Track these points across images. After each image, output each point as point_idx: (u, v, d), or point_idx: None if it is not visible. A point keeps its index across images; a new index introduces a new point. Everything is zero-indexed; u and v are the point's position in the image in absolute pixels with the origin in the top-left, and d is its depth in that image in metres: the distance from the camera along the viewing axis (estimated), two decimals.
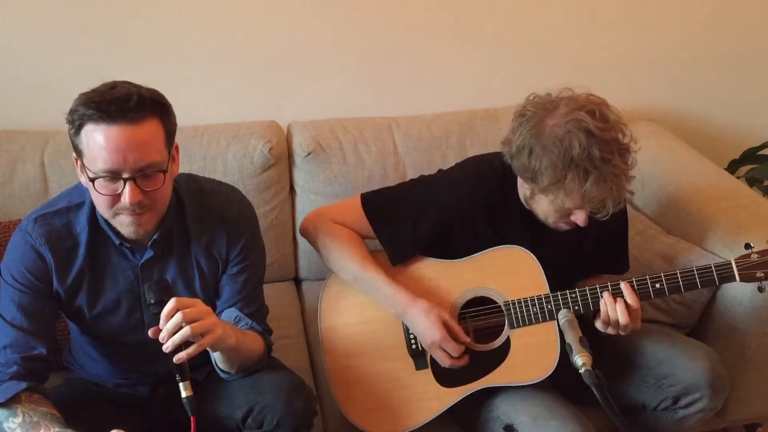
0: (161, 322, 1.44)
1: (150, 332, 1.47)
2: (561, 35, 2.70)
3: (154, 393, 1.79)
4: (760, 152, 2.87)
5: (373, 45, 2.57)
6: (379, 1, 2.53)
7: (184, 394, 1.44)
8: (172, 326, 1.43)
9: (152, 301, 1.48)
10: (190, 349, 1.44)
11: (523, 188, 1.80)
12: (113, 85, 1.47)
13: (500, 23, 2.65)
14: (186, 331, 1.43)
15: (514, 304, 1.83)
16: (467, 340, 1.83)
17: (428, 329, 1.80)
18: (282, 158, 2.39)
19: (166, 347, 1.43)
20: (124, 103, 1.43)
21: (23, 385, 1.52)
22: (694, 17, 2.79)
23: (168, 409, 1.73)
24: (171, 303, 1.44)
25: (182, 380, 1.44)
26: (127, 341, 1.71)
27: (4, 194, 2.20)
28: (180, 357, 1.43)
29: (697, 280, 1.77)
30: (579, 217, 1.74)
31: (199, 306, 1.48)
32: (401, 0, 2.54)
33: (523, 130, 1.71)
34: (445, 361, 1.83)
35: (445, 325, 1.81)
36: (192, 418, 1.44)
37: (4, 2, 2.29)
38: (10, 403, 1.50)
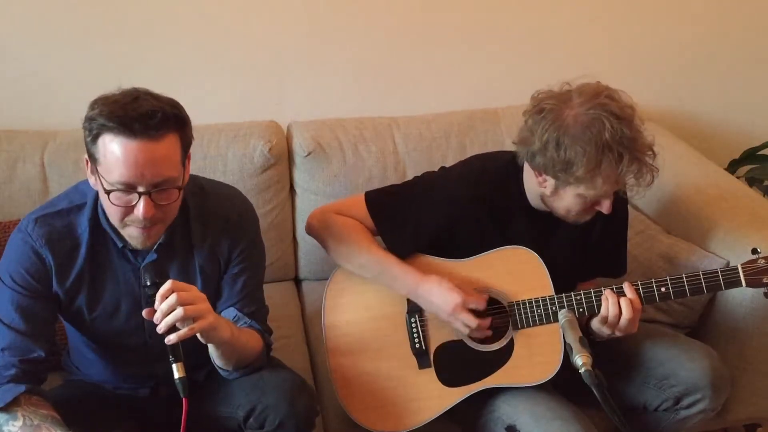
0: (156, 302, 1.45)
1: (144, 312, 1.48)
2: (561, 35, 2.70)
3: (155, 394, 1.78)
4: (760, 152, 2.87)
5: (373, 45, 2.57)
6: (379, 1, 2.53)
7: (176, 375, 1.45)
8: (167, 307, 1.44)
9: (148, 283, 1.49)
10: (181, 332, 1.45)
11: (542, 187, 1.78)
12: (135, 96, 1.45)
13: (500, 23, 2.65)
14: (179, 312, 1.43)
15: (518, 305, 1.83)
16: (484, 298, 1.81)
17: (446, 296, 1.78)
18: (282, 158, 2.39)
19: (159, 328, 1.45)
20: (148, 120, 1.41)
21: (22, 387, 1.51)
22: (694, 17, 2.79)
23: (169, 410, 1.72)
24: (167, 284, 1.45)
25: (175, 361, 1.46)
26: (126, 344, 1.70)
27: (4, 194, 2.20)
28: (170, 339, 1.44)
29: (703, 284, 1.77)
30: (605, 205, 1.75)
31: (193, 291, 1.50)
32: (401, 0, 2.54)
33: (545, 124, 1.69)
34: (471, 323, 1.78)
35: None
36: (184, 399, 1.45)
37: (4, 3, 2.28)
38: (9, 406, 1.50)
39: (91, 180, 1.54)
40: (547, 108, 1.70)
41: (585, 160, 1.65)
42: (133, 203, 1.47)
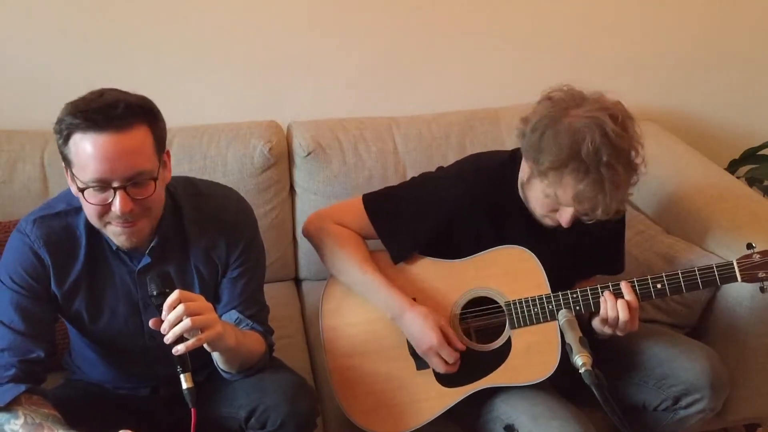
0: (163, 312, 1.44)
1: (151, 322, 1.47)
2: (561, 35, 2.70)
3: (155, 394, 1.78)
4: (760, 152, 2.87)
5: (373, 45, 2.58)
6: (379, 1, 2.53)
7: (184, 386, 1.44)
8: (174, 317, 1.43)
9: (155, 293, 1.48)
10: (189, 342, 1.44)
11: (523, 172, 1.79)
12: (100, 93, 1.46)
13: (500, 23, 2.65)
14: (187, 323, 1.43)
15: (515, 304, 1.83)
16: (462, 347, 1.83)
17: (424, 335, 1.81)
18: (282, 158, 2.39)
19: (167, 338, 1.43)
20: (111, 110, 1.41)
21: (22, 387, 1.51)
22: (694, 17, 2.79)
23: (170, 410, 1.73)
24: (174, 294, 1.45)
25: (183, 372, 1.44)
26: (126, 346, 1.70)
27: (4, 194, 2.20)
28: (178, 349, 1.43)
29: (699, 280, 1.77)
30: (564, 216, 1.74)
31: (201, 301, 1.49)
32: (401, 0, 2.54)
33: (545, 111, 1.71)
34: (439, 367, 1.83)
35: (442, 331, 1.81)
36: (192, 410, 1.43)
37: (3, 2, 2.28)
38: (10, 405, 1.50)
39: (73, 188, 1.53)
40: (555, 99, 1.72)
41: (553, 157, 1.66)
42: (110, 200, 1.46)
